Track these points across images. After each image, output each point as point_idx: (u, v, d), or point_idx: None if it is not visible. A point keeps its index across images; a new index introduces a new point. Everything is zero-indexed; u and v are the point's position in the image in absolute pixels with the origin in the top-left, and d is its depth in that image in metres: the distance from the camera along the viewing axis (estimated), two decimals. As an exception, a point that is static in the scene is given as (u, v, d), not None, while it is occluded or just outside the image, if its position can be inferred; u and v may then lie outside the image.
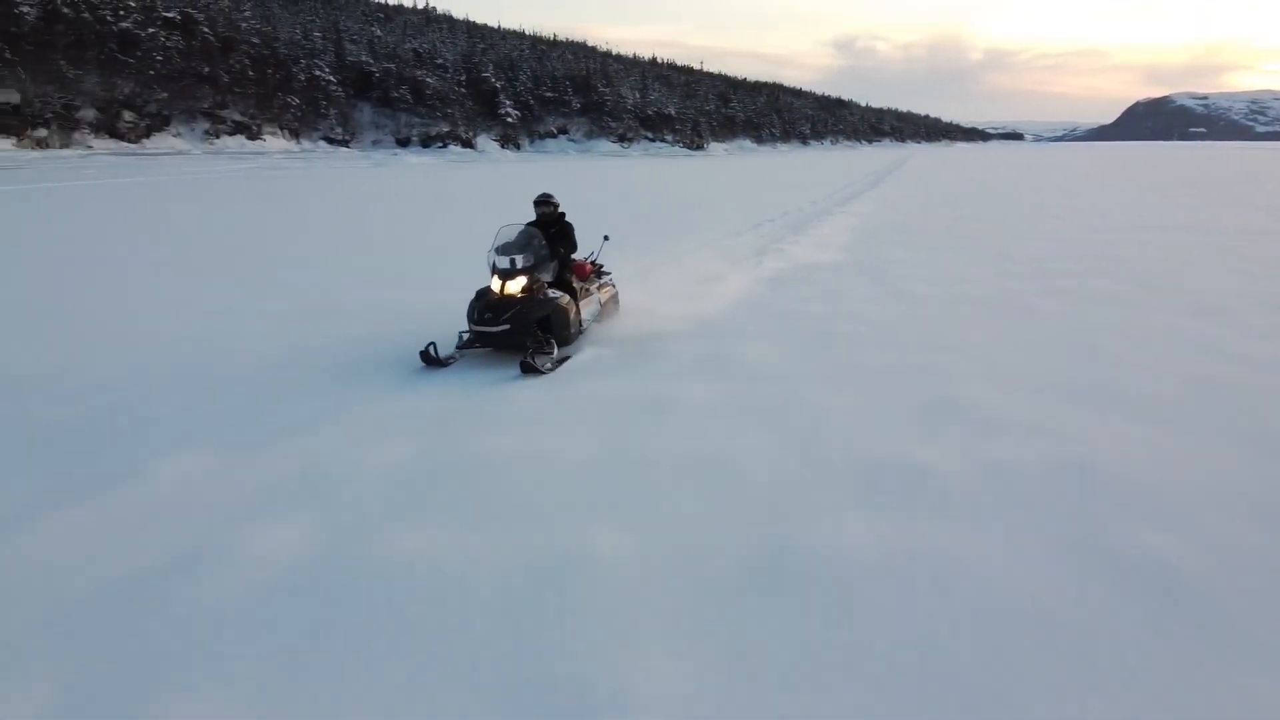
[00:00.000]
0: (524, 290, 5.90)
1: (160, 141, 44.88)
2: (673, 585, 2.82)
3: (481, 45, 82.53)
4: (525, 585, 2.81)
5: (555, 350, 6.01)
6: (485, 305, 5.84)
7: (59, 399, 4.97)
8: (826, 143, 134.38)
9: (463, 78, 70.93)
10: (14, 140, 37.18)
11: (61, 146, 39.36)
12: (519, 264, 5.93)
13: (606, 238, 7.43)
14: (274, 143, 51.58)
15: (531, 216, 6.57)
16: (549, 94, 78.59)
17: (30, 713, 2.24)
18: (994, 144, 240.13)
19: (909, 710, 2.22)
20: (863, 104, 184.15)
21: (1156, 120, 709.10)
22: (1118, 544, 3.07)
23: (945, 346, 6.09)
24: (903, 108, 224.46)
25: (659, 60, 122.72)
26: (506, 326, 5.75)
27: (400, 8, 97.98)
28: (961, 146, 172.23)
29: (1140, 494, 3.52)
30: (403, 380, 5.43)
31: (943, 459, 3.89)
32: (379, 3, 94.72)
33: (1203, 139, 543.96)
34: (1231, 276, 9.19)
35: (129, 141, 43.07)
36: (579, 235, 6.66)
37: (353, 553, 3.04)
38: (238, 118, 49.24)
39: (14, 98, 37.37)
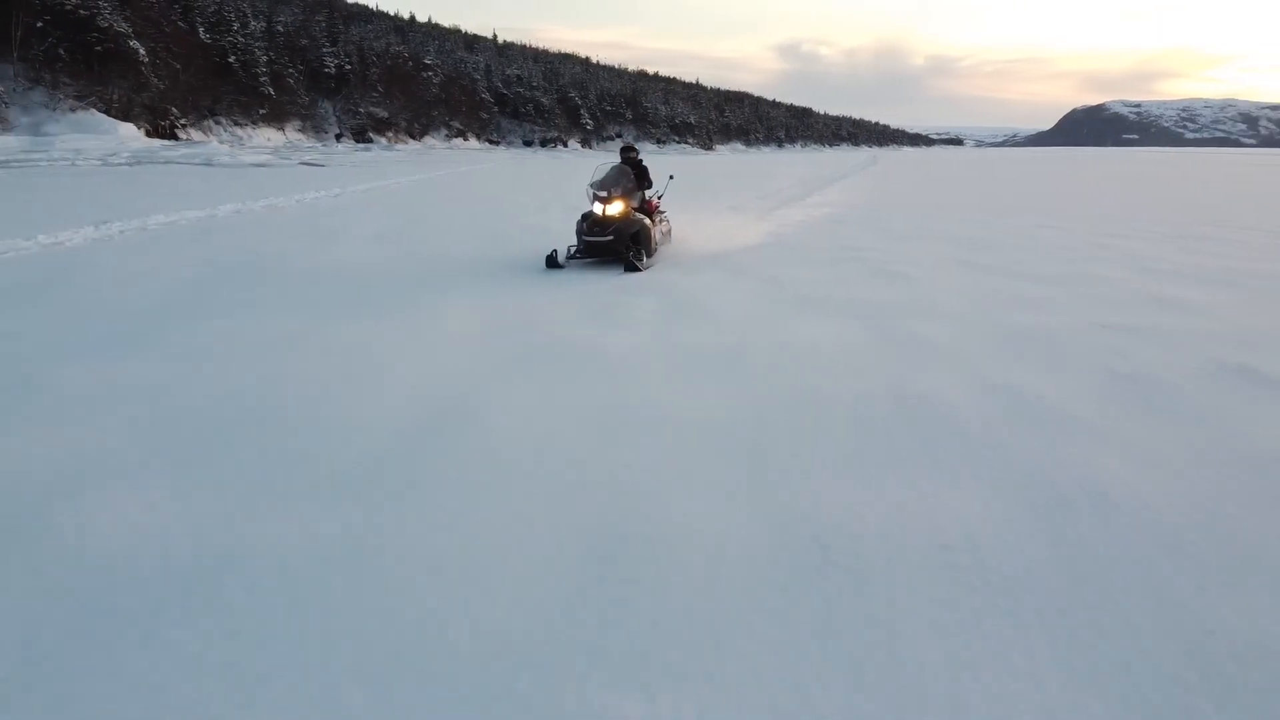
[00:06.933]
0: (620, 214, 8.27)
1: (426, 141, 78.15)
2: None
3: (544, 68, 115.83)
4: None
5: (645, 258, 8.37)
6: (592, 223, 8.28)
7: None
8: (798, 145, 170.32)
9: (555, 95, 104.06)
10: (385, 137, 70.43)
11: (393, 142, 72.46)
12: (614, 193, 8.34)
13: (671, 177, 9.88)
14: (472, 142, 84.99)
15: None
16: (609, 108, 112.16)
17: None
18: (936, 148, 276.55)
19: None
20: (820, 111, 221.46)
21: (1092, 127, 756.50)
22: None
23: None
24: (853, 114, 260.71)
25: (656, 73, 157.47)
26: (610, 237, 8.16)
27: (479, 37, 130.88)
28: (907, 150, 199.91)
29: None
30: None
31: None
32: (465, 33, 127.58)
33: (1135, 145, 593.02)
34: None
35: (415, 140, 76.28)
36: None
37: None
38: (459, 126, 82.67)
39: (383, 114, 70.63)
